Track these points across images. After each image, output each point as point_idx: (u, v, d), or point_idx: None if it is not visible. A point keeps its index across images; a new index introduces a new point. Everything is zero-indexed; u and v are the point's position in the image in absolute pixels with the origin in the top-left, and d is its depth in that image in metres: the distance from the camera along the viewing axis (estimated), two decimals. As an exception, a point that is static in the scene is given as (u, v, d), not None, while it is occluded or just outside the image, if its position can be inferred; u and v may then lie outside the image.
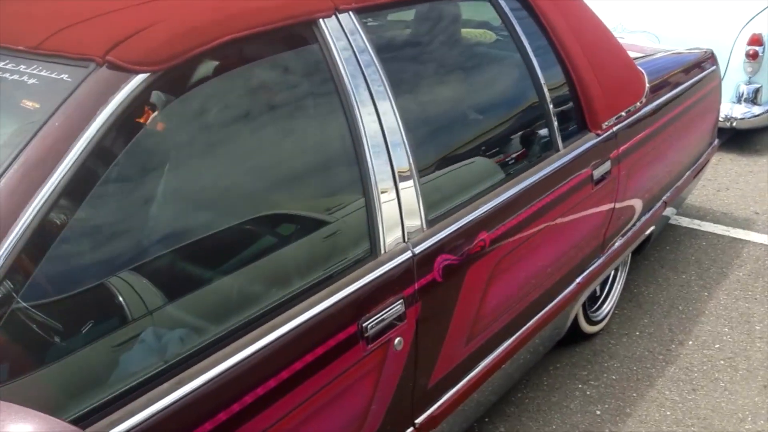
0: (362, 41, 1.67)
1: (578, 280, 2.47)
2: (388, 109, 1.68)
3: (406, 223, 1.70)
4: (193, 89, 1.39)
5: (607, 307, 2.99)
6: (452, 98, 2.03)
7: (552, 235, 2.23)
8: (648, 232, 3.02)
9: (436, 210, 1.81)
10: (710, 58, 3.54)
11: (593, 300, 2.94)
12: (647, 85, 2.75)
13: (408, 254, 1.67)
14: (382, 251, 1.63)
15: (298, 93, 1.63)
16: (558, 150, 2.25)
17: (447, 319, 1.82)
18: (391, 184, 1.66)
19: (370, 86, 1.65)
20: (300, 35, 1.59)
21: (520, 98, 2.23)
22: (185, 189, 1.40)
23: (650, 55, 3.30)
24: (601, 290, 2.99)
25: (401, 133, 1.70)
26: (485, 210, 1.91)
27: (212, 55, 1.39)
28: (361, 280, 1.56)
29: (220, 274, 1.41)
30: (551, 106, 2.23)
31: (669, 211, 3.29)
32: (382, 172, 1.64)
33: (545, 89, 2.22)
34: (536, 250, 2.17)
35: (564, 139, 2.29)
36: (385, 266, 1.61)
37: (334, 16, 1.65)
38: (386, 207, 1.64)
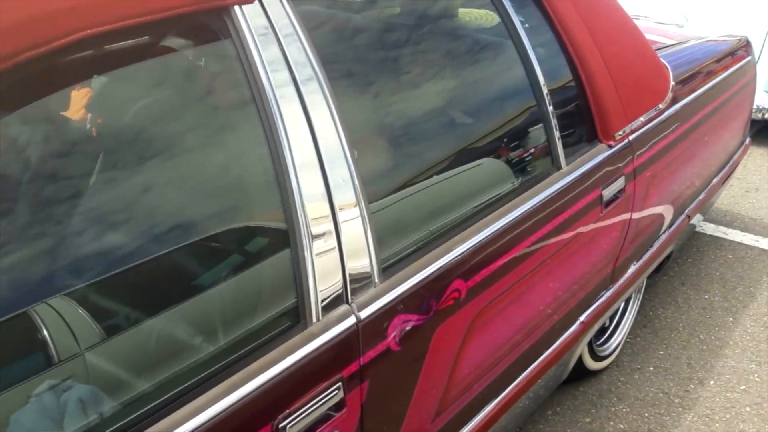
0: (296, 33, 1.25)
1: (582, 318, 2.06)
2: (324, 116, 1.26)
3: (350, 274, 1.29)
4: (29, 105, 0.98)
5: (617, 339, 2.57)
6: (420, 103, 1.60)
7: (549, 273, 1.82)
8: (668, 252, 2.60)
9: (393, 253, 1.40)
10: (745, 47, 3.08)
11: (601, 332, 2.53)
12: (672, 82, 2.30)
13: (351, 321, 1.27)
14: (313, 318, 1.23)
15: (197, 104, 1.22)
16: (560, 168, 1.82)
17: (406, 396, 1.42)
18: (328, 219, 1.24)
19: (301, 90, 1.23)
20: (202, 27, 1.18)
21: (512, 102, 1.80)
22: (31, 240, 1.00)
23: (678, 43, 2.84)
24: (611, 321, 2.58)
25: (344, 149, 1.28)
26: (462, 250, 1.50)
27: (59, 59, 0.97)
28: (279, 364, 1.16)
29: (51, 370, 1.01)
30: (553, 113, 1.80)
31: (695, 219, 2.86)
32: (315, 203, 1.22)
33: (545, 92, 1.78)
34: (528, 292, 1.76)
35: (568, 153, 1.86)
36: (315, 341, 1.21)
37: (257, 2, 1.23)
38: (320, 256, 1.23)
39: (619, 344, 2.59)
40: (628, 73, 2.08)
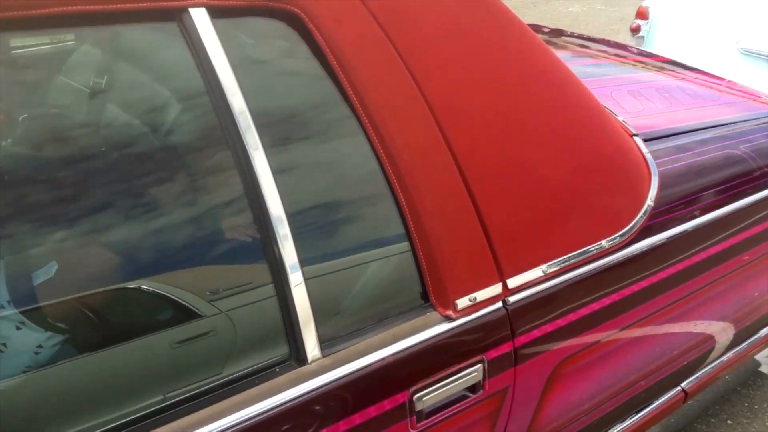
0: None
1: None
2: None
3: None
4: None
5: None
6: None
7: None
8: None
9: None
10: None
11: None
12: (649, 202, 1.39)
13: None
14: None
15: None
16: (304, 361, 1.04)
17: None
18: None
19: None
20: None
21: (207, 234, 1.03)
22: None
23: (727, 124, 1.85)
24: None
25: None
26: None
27: None
28: None
29: None
30: (295, 258, 1.01)
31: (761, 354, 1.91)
32: None
33: (279, 223, 1.00)
34: None
35: (334, 333, 1.07)
36: None
37: None
38: None
39: None
40: (531, 184, 1.22)
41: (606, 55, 2.29)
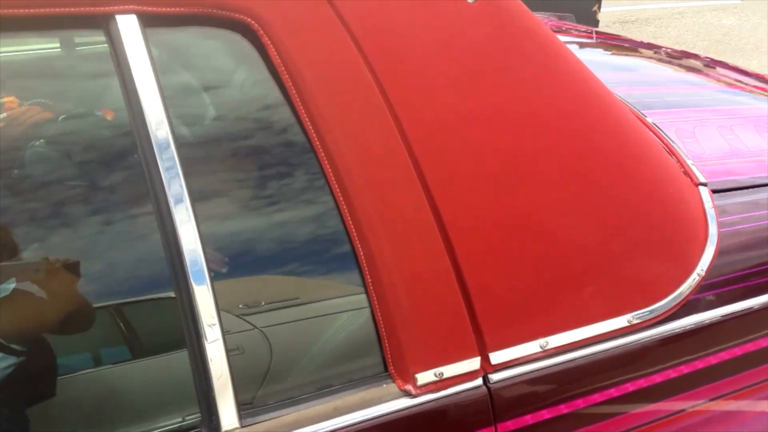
0: None
1: None
2: None
3: None
4: None
5: None
6: None
7: None
8: None
9: None
10: None
11: None
12: (708, 256, 1.14)
13: None
14: None
15: None
16: (217, 431, 0.89)
17: None
18: None
19: None
20: None
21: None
22: None
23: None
24: None
25: None
26: None
27: None
28: None
29: None
30: (211, 319, 0.87)
31: None
32: None
33: (196, 268, 0.86)
34: None
35: (261, 404, 0.92)
36: None
37: None
38: None
39: None
40: (535, 240, 1.01)
41: (707, 77, 1.98)
